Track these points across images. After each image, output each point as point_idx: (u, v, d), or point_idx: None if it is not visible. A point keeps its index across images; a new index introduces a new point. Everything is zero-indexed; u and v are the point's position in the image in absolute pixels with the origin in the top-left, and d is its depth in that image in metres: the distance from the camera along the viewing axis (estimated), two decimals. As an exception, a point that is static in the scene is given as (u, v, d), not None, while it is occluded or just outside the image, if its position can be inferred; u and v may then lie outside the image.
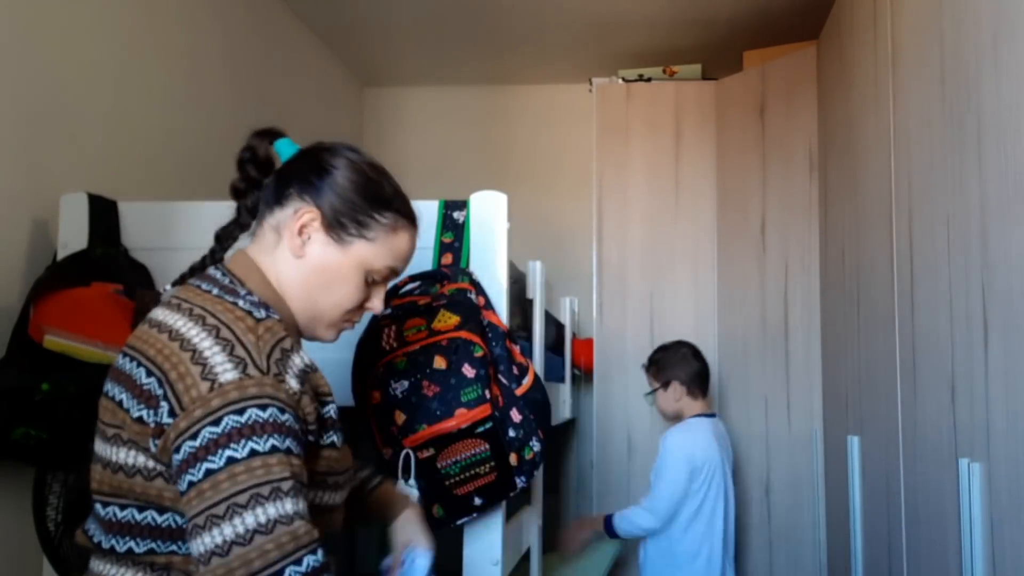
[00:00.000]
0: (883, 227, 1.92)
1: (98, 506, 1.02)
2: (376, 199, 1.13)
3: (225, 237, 1.17)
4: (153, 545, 0.98)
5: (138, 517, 0.98)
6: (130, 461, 0.97)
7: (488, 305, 1.60)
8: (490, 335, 1.55)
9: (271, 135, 1.17)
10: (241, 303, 1.03)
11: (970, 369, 1.33)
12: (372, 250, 1.13)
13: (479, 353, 1.49)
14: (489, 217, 1.67)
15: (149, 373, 0.96)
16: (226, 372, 0.94)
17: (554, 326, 2.81)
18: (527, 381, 1.57)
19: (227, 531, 0.87)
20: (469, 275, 1.61)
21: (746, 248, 3.05)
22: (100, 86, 2.00)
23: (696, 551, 2.54)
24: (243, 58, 2.74)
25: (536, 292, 2.14)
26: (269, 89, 2.92)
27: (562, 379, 2.95)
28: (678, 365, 2.72)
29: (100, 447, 1.01)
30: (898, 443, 1.79)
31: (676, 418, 2.72)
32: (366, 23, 3.23)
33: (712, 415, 2.73)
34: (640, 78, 3.36)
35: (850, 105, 2.30)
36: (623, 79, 3.38)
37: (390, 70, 3.77)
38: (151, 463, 0.96)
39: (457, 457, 1.48)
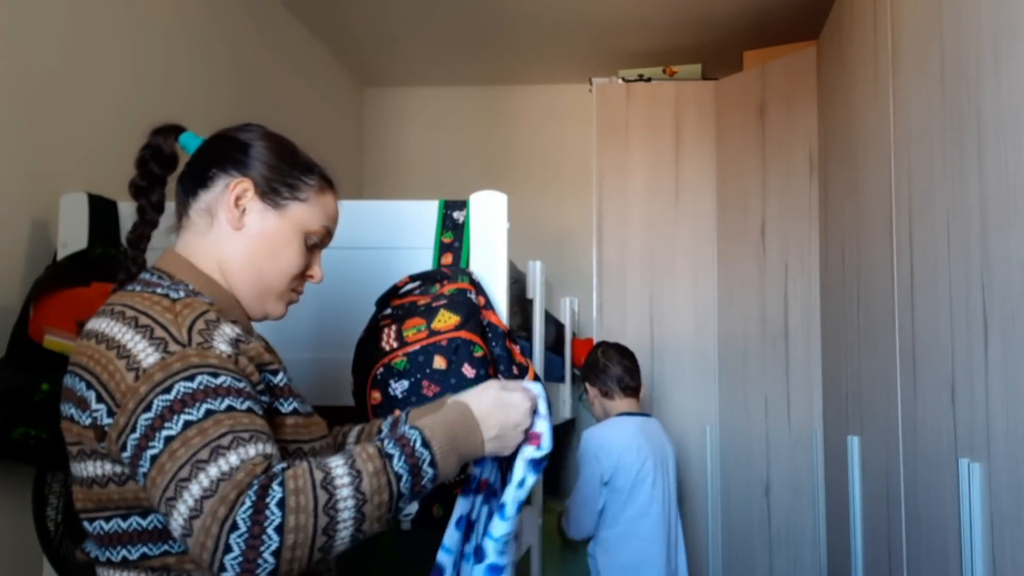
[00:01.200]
0: (883, 227, 1.92)
1: (86, 524, 1.03)
2: (299, 163, 1.16)
3: (138, 240, 1.16)
4: (144, 549, 0.99)
5: (123, 525, 0.99)
6: (99, 471, 0.98)
7: (488, 305, 1.60)
8: (490, 335, 1.55)
9: (175, 130, 1.18)
10: (159, 290, 1.03)
11: (970, 369, 1.33)
12: (307, 211, 1.14)
13: (479, 353, 1.49)
14: (489, 217, 1.67)
15: (81, 379, 0.98)
16: (148, 357, 0.94)
17: (554, 326, 2.81)
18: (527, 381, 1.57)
19: (182, 509, 0.87)
20: (469, 275, 1.61)
21: (746, 248, 3.05)
22: (100, 86, 2.00)
23: (635, 561, 2.39)
24: (243, 58, 2.74)
25: (536, 292, 2.14)
26: (269, 89, 2.92)
27: (562, 379, 2.95)
28: (589, 368, 2.65)
29: (73, 467, 1.02)
30: (898, 443, 1.79)
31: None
32: (366, 23, 3.23)
33: (641, 415, 2.58)
34: (640, 78, 3.36)
35: (850, 105, 2.30)
36: (623, 79, 3.38)
37: (390, 70, 3.77)
38: (117, 468, 0.97)
39: (457, 457, 1.48)
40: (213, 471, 0.87)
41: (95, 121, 1.98)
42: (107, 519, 0.99)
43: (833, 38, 2.57)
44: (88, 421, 0.97)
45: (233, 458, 0.88)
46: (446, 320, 1.51)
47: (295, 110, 3.15)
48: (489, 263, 1.66)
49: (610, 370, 2.60)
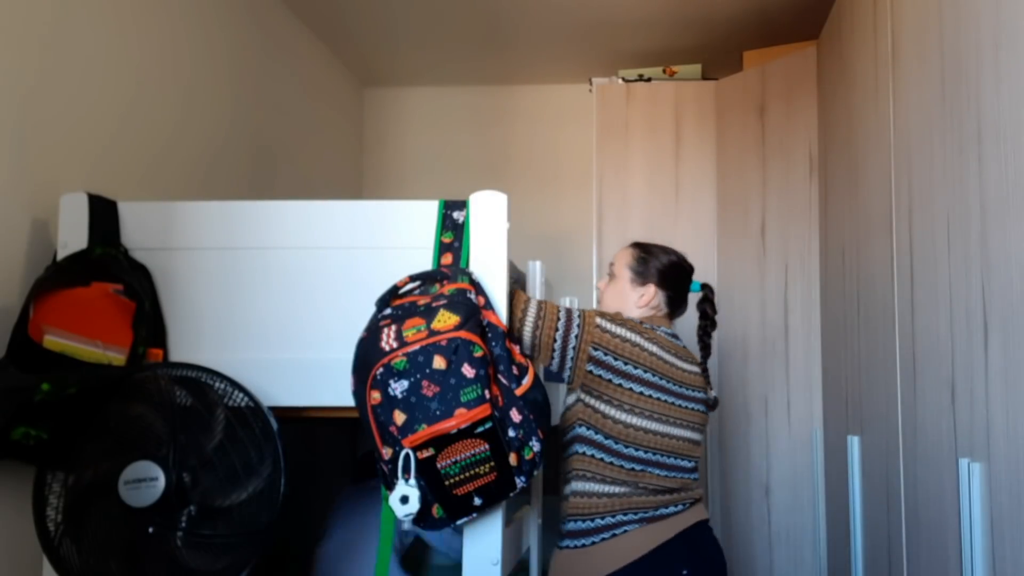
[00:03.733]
0: (883, 227, 1.92)
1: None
2: None
3: None
4: None
5: None
6: None
7: (488, 305, 1.60)
8: (490, 335, 1.55)
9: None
10: None
11: (970, 369, 1.33)
12: None
13: (479, 353, 1.49)
14: (489, 217, 1.67)
15: None
16: None
17: (554, 326, 2.80)
18: (527, 381, 1.57)
19: None
20: (469, 275, 1.61)
21: (746, 248, 3.05)
22: (100, 86, 2.00)
23: None
24: (243, 58, 2.74)
25: (536, 292, 2.14)
26: (269, 89, 2.92)
27: (562, 379, 2.95)
28: None
29: None
30: (898, 443, 1.79)
31: None
32: (366, 23, 3.23)
33: None
34: (640, 78, 3.36)
35: (850, 105, 2.30)
36: (623, 79, 3.38)
37: (390, 70, 3.77)
38: None
39: (457, 457, 1.48)
40: None
41: (95, 121, 1.98)
42: None
43: (833, 38, 2.57)
44: None
45: None
46: (446, 320, 1.51)
47: (295, 110, 3.15)
48: (489, 263, 1.66)
49: None
